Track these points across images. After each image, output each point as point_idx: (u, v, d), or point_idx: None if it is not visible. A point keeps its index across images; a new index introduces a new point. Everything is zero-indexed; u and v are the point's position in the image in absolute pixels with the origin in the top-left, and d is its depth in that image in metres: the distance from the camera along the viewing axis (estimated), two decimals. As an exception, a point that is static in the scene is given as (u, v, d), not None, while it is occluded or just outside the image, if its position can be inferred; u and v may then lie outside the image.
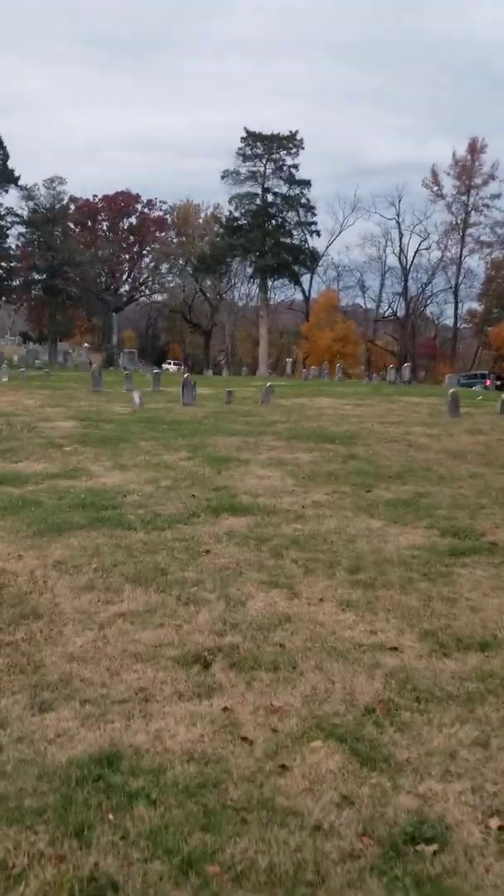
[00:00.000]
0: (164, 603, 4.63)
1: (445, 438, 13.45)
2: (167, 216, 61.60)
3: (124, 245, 59.77)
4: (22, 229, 51.57)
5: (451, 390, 18.94)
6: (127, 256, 60.44)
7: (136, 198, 59.39)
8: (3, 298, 51.85)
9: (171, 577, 5.12)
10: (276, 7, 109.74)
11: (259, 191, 56.80)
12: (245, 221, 56.58)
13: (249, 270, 59.47)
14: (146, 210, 59.84)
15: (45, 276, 49.51)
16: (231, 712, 3.32)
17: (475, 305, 61.11)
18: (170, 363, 53.36)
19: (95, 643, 4.02)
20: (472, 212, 59.01)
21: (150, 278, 62.15)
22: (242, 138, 56.20)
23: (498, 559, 5.72)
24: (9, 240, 51.17)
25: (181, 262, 61.43)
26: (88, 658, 3.83)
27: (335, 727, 3.20)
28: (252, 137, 56.10)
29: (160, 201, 60.57)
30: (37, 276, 50.37)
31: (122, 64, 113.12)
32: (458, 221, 59.15)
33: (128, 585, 4.92)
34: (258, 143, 56.22)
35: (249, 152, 56.50)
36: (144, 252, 60.80)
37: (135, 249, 60.39)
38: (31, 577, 5.00)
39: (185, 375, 21.36)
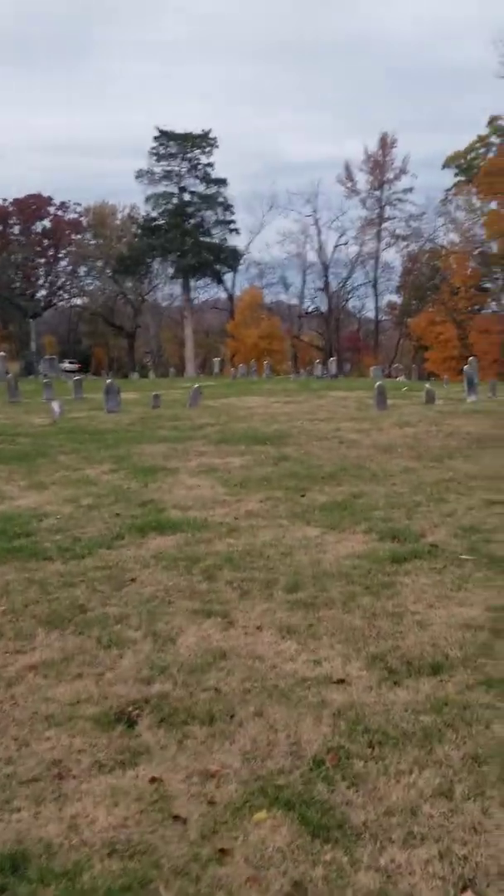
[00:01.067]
0: (82, 648, 4.13)
1: (375, 433, 13.27)
2: (82, 218, 60.16)
3: (38, 249, 58.04)
4: None
5: (377, 383, 18.86)
6: (42, 260, 58.73)
7: (48, 200, 57.77)
8: None
9: (90, 614, 4.61)
10: (190, 10, 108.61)
11: (175, 190, 56.17)
12: (163, 221, 55.84)
13: (171, 271, 58.68)
14: (60, 212, 58.25)
15: (-46, 284, 47.61)
16: (161, 783, 2.86)
17: (394, 298, 62.08)
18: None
19: (1, 707, 3.49)
20: (387, 206, 59.80)
21: (68, 282, 60.62)
22: (155, 137, 55.51)
23: (440, 563, 5.43)
24: None
25: (100, 264, 60.13)
26: (-7, 726, 3.31)
27: (281, 790, 2.79)
28: (165, 136, 55.43)
29: (74, 203, 59.14)
30: None
31: (33, 65, 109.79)
32: (374, 216, 59.85)
33: (41, 629, 4.39)
34: (171, 143, 55.59)
35: (163, 151, 55.83)
36: (60, 255, 59.20)
37: (50, 253, 58.71)
38: None
39: (109, 381, 20.66)
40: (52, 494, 8.22)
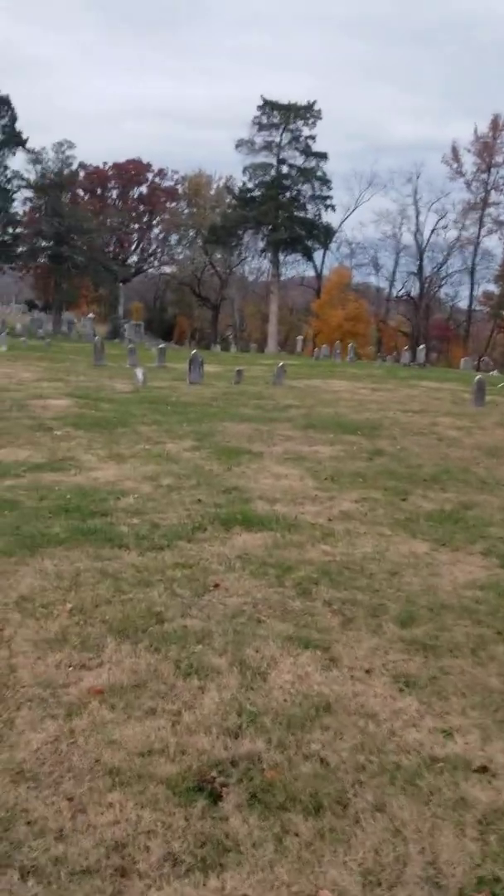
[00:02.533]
0: (157, 671, 3.43)
1: (477, 432, 12.19)
2: (178, 186, 59.77)
3: (134, 214, 58.02)
4: (28, 194, 49.84)
5: (476, 377, 17.64)
6: (136, 226, 58.70)
7: (147, 167, 57.57)
8: (9, 265, 50.20)
9: (168, 625, 3.92)
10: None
11: (274, 161, 54.85)
12: (258, 193, 54.75)
13: (261, 244, 57.67)
14: (157, 179, 58.04)
15: (51, 242, 47.88)
16: (254, 907, 2.13)
17: (491, 287, 59.32)
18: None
19: (57, 745, 2.83)
20: (492, 191, 56.95)
21: (160, 249, 60.47)
22: (259, 106, 54.22)
23: None
24: (15, 204, 49.43)
25: (191, 233, 59.69)
26: (44, 776, 2.64)
27: None
28: (269, 106, 54.11)
29: (172, 171, 58.75)
30: (43, 243, 48.74)
31: (137, 34, 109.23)
32: (478, 200, 57.18)
33: (111, 639, 3.72)
34: (275, 112, 54.24)
35: (266, 121, 54.53)
36: (154, 222, 59.04)
37: (144, 219, 58.64)
38: (-18, 625, 3.80)
39: (194, 352, 20.08)
40: (131, 469, 7.60)
